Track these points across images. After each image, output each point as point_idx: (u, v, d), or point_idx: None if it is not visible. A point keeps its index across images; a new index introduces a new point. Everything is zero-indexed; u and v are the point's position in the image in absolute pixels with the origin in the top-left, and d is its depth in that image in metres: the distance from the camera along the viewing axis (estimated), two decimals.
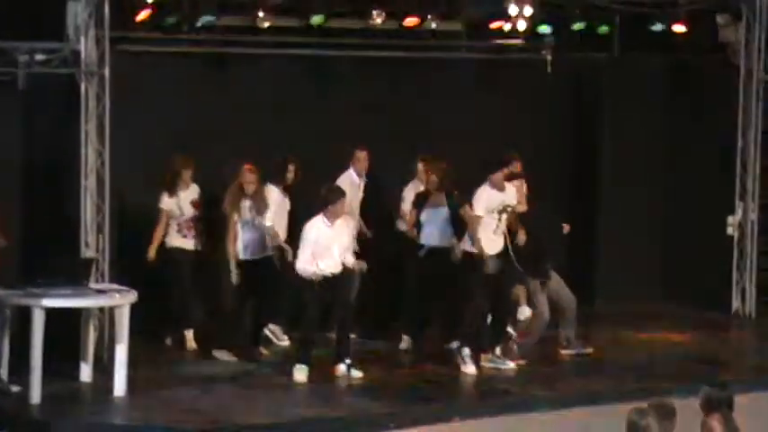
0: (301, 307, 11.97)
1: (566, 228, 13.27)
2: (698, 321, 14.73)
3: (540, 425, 10.95)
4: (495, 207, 12.20)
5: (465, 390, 11.92)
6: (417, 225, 13.06)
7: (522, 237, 12.36)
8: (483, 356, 12.31)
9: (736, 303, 15.36)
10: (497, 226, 12.20)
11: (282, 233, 12.93)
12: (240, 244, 12.59)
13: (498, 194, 12.22)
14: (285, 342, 13.34)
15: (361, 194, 13.68)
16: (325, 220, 11.83)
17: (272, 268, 12.73)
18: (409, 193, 13.56)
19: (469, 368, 12.14)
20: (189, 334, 13.06)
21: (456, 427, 10.75)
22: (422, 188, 13.33)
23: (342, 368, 11.93)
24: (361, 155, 13.58)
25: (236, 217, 12.56)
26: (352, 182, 13.42)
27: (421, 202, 13.05)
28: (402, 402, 11.31)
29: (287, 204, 13.11)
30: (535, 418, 11.10)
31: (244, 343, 12.70)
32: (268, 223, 12.71)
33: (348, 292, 12.34)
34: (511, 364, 12.35)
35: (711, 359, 13.04)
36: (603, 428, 10.17)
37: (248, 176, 12.58)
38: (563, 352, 13.01)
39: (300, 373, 11.77)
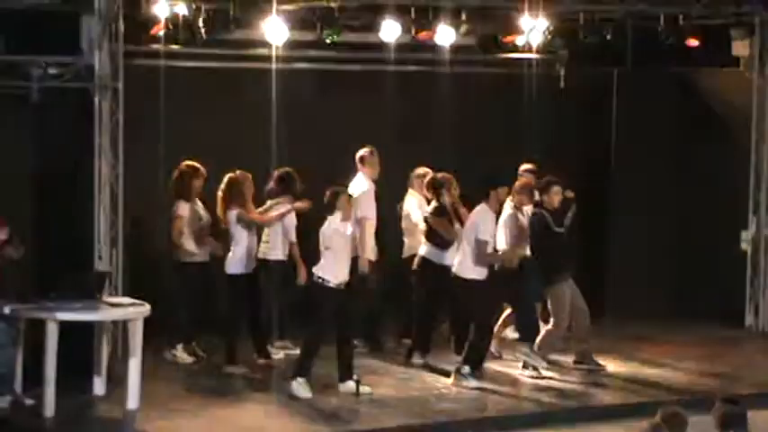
0: (311, 318, 11.92)
1: (569, 194, 13.16)
2: (711, 336, 14.69)
3: None
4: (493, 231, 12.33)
5: (477, 404, 11.89)
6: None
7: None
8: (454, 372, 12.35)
9: (749, 318, 15.32)
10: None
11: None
12: (245, 255, 12.60)
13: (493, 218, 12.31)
14: (280, 355, 13.30)
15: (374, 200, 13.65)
16: (340, 222, 11.80)
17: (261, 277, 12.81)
18: (412, 206, 13.53)
19: (472, 382, 12.13)
20: (190, 346, 13.07)
21: None
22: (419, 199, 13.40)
23: (350, 384, 11.89)
24: (373, 160, 13.56)
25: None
26: (369, 187, 13.42)
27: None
28: (413, 416, 11.28)
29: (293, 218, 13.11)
30: None
31: (251, 356, 12.71)
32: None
33: (356, 303, 12.31)
34: (475, 383, 12.26)
35: (724, 374, 13.00)
36: None
37: (250, 183, 12.60)
38: (578, 366, 12.98)
39: (303, 388, 11.72)
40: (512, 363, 13.01)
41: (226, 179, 12.69)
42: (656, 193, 15.96)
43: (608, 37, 14.84)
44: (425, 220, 13.17)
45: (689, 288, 15.76)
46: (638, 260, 15.85)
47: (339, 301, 11.74)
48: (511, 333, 13.78)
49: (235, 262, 12.59)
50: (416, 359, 13.10)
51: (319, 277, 11.68)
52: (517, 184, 12.90)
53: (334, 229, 11.72)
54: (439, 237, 12.93)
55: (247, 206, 12.69)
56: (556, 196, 12.81)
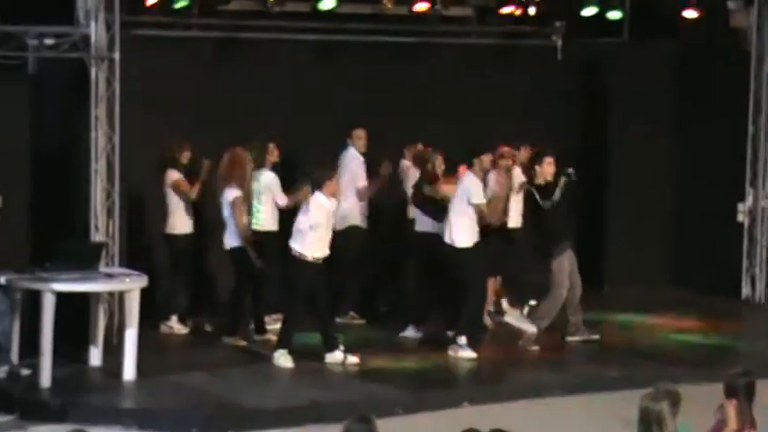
0: (290, 292, 11.90)
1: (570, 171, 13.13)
2: (707, 308, 14.69)
3: (549, 410, 10.95)
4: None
5: (474, 375, 11.91)
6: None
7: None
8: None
9: (746, 290, 15.34)
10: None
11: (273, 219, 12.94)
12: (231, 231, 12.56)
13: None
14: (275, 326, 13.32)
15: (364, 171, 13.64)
16: (325, 198, 11.79)
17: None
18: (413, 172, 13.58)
19: (468, 353, 12.13)
20: (177, 318, 13.07)
21: (465, 412, 10.76)
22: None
23: (338, 355, 11.89)
24: (361, 133, 13.58)
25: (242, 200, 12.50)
26: (356, 157, 13.44)
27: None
28: (411, 388, 11.31)
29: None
30: (544, 404, 11.10)
31: (248, 329, 12.70)
32: (281, 202, 12.74)
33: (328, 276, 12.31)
34: (471, 354, 12.27)
35: (721, 346, 13.02)
36: (612, 414, 10.17)
37: (249, 159, 12.55)
38: (570, 339, 12.99)
39: (284, 359, 11.71)
40: (507, 333, 13.03)
41: (227, 156, 12.60)
42: (653, 165, 15.95)
43: (605, 8, 14.80)
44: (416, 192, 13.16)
45: (686, 260, 15.77)
46: (637, 232, 15.84)
47: (318, 274, 11.74)
48: (505, 303, 13.81)
49: (233, 236, 12.54)
50: (410, 332, 13.10)
51: (299, 252, 11.68)
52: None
53: (320, 204, 11.72)
54: (430, 206, 12.93)
55: (246, 184, 12.61)
56: (549, 167, 12.77)
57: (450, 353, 12.22)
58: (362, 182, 13.45)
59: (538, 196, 12.68)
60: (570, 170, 12.84)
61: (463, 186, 12.34)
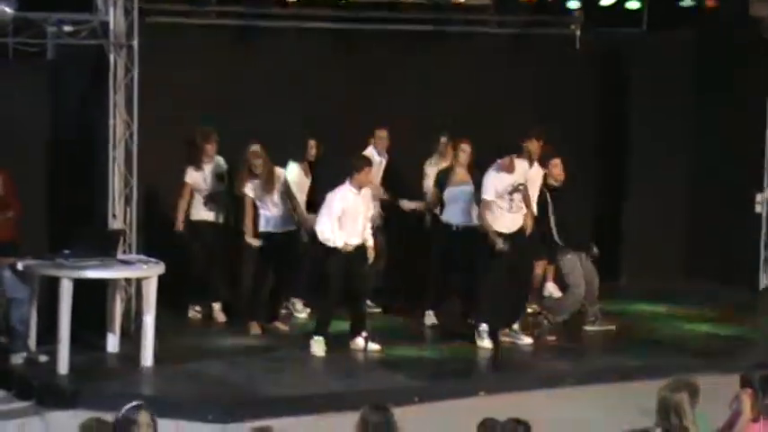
0: (322, 279, 11.94)
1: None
2: (725, 298, 14.66)
3: (566, 400, 10.94)
4: (504, 189, 12.13)
5: (491, 365, 11.91)
6: (441, 202, 13.01)
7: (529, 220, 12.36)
8: (501, 331, 12.31)
9: (764, 280, 15.30)
10: (511, 206, 12.16)
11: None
12: (261, 219, 12.56)
13: (507, 176, 12.13)
14: (303, 315, 13.35)
15: (381, 173, 13.63)
16: (352, 188, 11.80)
17: (293, 242, 12.70)
18: (431, 170, 13.51)
19: (485, 343, 12.12)
20: (217, 306, 13.10)
21: (481, 401, 10.76)
22: (443, 164, 13.29)
23: (359, 341, 11.92)
24: (382, 133, 13.56)
25: (251, 195, 12.50)
26: (373, 160, 13.39)
27: (443, 179, 12.98)
28: (427, 377, 11.32)
29: (307, 181, 13.09)
30: (561, 394, 11.10)
31: (263, 317, 12.71)
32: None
33: (367, 264, 12.29)
34: (527, 339, 12.32)
35: (738, 336, 13.00)
36: (629, 403, 10.15)
37: (254, 159, 12.49)
38: (588, 328, 12.98)
39: (318, 346, 11.76)
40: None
41: (251, 149, 12.56)
42: (671, 156, 15.91)
43: None
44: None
45: (703, 250, 15.74)
46: (654, 223, 15.81)
47: (348, 262, 11.74)
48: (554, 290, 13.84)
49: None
50: (429, 319, 13.10)
51: (328, 239, 11.70)
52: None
53: (343, 195, 11.74)
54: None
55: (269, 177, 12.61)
56: (555, 168, 12.71)
57: (477, 341, 12.19)
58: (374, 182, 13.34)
59: (549, 198, 12.61)
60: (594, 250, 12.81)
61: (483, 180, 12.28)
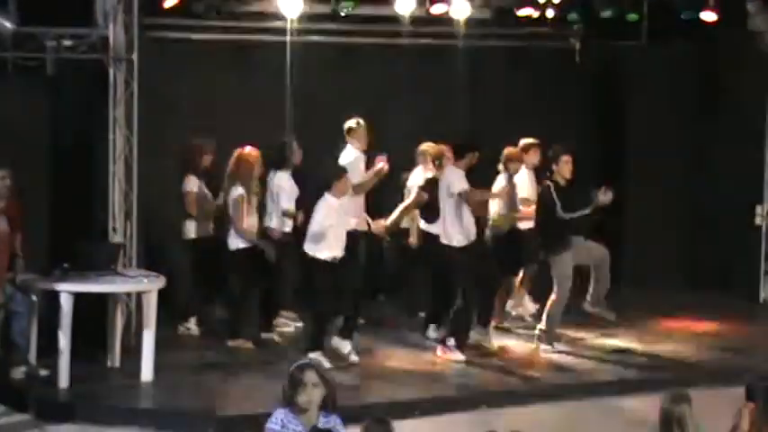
0: (311, 292, 11.90)
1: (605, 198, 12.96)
2: (725, 310, 14.65)
3: (567, 413, 10.93)
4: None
5: (492, 377, 11.89)
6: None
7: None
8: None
9: (764, 293, 15.30)
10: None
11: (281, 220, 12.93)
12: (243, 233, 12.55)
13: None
14: (291, 328, 13.34)
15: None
16: (333, 199, 11.82)
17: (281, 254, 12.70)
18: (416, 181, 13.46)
19: (457, 356, 12.10)
20: (193, 320, 13.09)
21: (483, 414, 10.75)
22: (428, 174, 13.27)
23: (347, 347, 11.92)
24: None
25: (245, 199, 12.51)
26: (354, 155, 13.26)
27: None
28: (428, 390, 11.30)
29: (296, 190, 13.05)
30: (562, 407, 11.08)
31: (256, 330, 12.70)
32: (285, 206, 12.75)
33: (357, 274, 12.26)
34: (460, 356, 12.20)
35: (739, 348, 12.98)
36: (630, 416, 10.16)
37: (258, 160, 12.53)
38: (589, 309, 12.92)
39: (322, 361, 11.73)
40: (524, 336, 13.04)
41: (234, 155, 12.60)
42: (670, 167, 15.92)
43: (624, 11, 14.78)
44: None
45: (704, 262, 15.74)
46: (653, 233, 15.82)
47: (335, 274, 11.74)
48: (528, 303, 13.84)
49: (235, 237, 12.55)
50: (431, 332, 13.10)
51: (312, 253, 11.71)
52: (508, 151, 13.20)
53: (329, 205, 11.76)
54: (427, 209, 12.90)
55: (251, 184, 12.61)
56: (566, 165, 12.71)
57: (439, 353, 12.20)
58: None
59: (556, 197, 12.56)
60: (603, 195, 12.62)
61: (446, 181, 12.29)
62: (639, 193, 15.94)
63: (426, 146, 13.44)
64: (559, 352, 12.60)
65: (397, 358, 12.26)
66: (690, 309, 14.76)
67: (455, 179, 12.20)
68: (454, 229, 12.21)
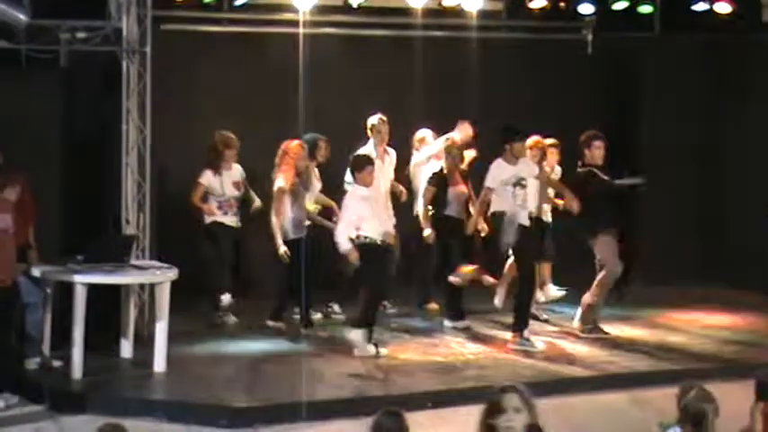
0: (366, 271, 11.88)
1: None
2: (739, 305, 14.61)
3: (582, 406, 10.91)
4: (507, 180, 12.21)
5: (506, 370, 11.89)
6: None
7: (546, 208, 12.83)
8: (511, 339, 12.33)
9: None
10: (514, 198, 12.21)
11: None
12: (289, 223, 12.60)
13: (509, 167, 12.24)
14: (318, 315, 13.40)
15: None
16: (359, 188, 11.85)
17: (317, 245, 12.73)
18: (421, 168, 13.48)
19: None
20: (226, 297, 13.06)
21: None
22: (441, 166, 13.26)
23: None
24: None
25: (287, 194, 12.55)
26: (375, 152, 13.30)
27: (441, 181, 12.95)
28: (441, 381, 11.31)
29: (318, 185, 13.10)
30: (577, 400, 11.06)
31: (292, 318, 12.79)
32: (310, 206, 12.81)
33: (388, 262, 12.30)
34: (540, 346, 12.29)
35: (752, 342, 12.95)
36: (644, 409, 10.15)
37: (300, 153, 12.58)
38: (584, 335, 12.92)
39: (357, 336, 11.80)
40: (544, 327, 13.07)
41: (281, 148, 12.63)
42: (684, 159, 15.89)
43: (637, 2, 14.76)
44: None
45: (718, 256, 15.70)
46: (668, 227, 15.78)
47: (385, 255, 11.91)
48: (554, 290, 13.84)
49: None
50: (447, 323, 13.11)
51: (364, 236, 11.74)
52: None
53: (356, 195, 11.83)
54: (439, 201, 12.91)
55: (301, 176, 12.68)
56: (597, 151, 12.71)
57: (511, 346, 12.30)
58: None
59: (602, 174, 12.55)
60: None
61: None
62: (652, 185, 15.86)
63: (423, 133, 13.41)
64: (591, 338, 12.59)
65: (409, 349, 12.26)
66: (703, 302, 14.69)
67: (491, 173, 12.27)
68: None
